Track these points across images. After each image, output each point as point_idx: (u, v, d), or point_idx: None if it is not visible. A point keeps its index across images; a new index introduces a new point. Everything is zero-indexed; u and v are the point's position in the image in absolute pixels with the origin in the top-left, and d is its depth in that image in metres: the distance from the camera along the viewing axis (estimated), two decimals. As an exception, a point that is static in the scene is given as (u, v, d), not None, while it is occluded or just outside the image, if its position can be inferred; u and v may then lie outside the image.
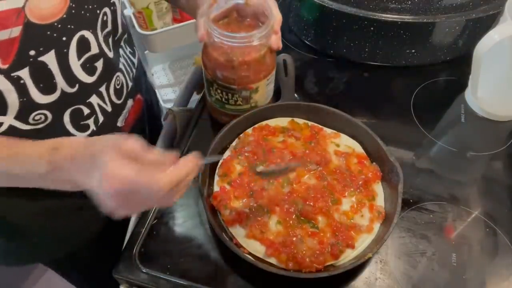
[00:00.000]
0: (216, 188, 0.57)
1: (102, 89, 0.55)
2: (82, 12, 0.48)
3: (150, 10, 1.13)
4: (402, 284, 0.51)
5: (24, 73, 0.44)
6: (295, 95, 0.69)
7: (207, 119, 0.70)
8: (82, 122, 0.54)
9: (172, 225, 0.57)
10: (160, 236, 0.56)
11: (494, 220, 0.57)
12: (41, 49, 0.44)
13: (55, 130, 0.51)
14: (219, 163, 0.59)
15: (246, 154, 0.59)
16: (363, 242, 0.52)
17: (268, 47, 0.58)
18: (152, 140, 0.69)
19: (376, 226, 0.53)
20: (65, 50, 0.47)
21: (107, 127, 0.58)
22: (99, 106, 0.55)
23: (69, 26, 0.46)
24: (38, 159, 0.44)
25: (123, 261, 0.54)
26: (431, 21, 0.68)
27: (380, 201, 0.56)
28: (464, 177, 0.63)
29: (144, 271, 0.53)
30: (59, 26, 0.45)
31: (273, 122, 0.64)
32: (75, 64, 0.49)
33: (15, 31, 0.41)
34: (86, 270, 0.81)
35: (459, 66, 0.75)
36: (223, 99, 0.62)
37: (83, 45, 0.49)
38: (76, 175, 0.43)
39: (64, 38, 0.46)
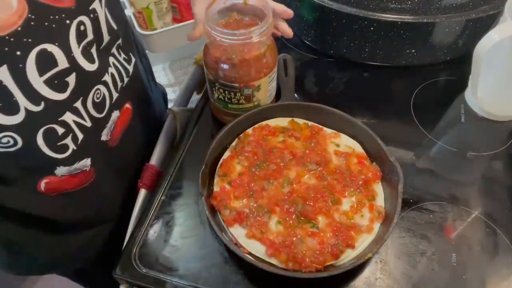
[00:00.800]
0: (216, 188, 0.57)
1: (78, 104, 0.50)
2: (46, 23, 0.43)
3: (150, 10, 1.13)
4: (402, 284, 0.51)
5: None
6: (295, 95, 0.69)
7: (208, 119, 0.70)
8: (59, 143, 0.50)
9: (172, 225, 0.57)
10: (160, 236, 0.56)
11: (494, 220, 0.57)
12: None
13: (30, 153, 0.48)
14: (219, 163, 0.59)
15: (246, 154, 0.59)
16: (363, 242, 0.52)
17: (268, 44, 0.58)
18: (151, 142, 0.69)
19: (376, 226, 0.53)
20: (20, 66, 0.42)
21: (90, 143, 0.55)
22: (76, 123, 0.51)
23: (25, 39, 0.42)
24: None
25: (123, 261, 0.54)
26: (431, 21, 0.68)
27: (380, 201, 0.56)
28: (464, 177, 0.63)
29: (144, 271, 0.53)
30: (12, 39, 0.41)
31: (273, 122, 0.64)
32: (37, 81, 0.44)
33: None
34: (87, 273, 0.81)
35: (459, 66, 0.75)
36: (226, 99, 0.62)
37: (46, 60, 0.44)
38: None
39: (18, 53, 0.41)
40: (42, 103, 0.46)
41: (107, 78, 0.55)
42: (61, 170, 0.53)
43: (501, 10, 0.61)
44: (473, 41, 0.60)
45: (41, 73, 0.44)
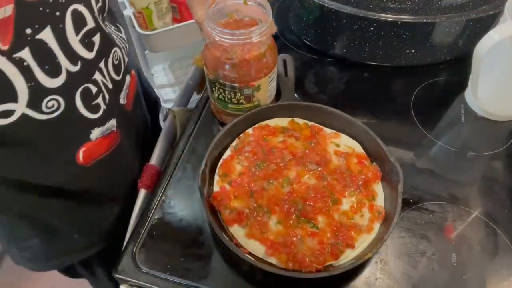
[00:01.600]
0: (216, 188, 0.57)
1: (102, 65, 0.54)
2: None
3: (150, 10, 1.13)
4: (402, 284, 0.51)
5: (25, 54, 0.43)
6: (295, 95, 0.69)
7: (208, 119, 0.70)
8: (93, 103, 0.53)
9: (172, 225, 0.57)
10: (160, 236, 0.56)
11: (494, 220, 0.57)
12: (36, 26, 0.43)
13: (70, 117, 0.51)
14: (219, 163, 0.59)
15: (246, 154, 0.59)
16: (363, 242, 0.52)
17: (268, 44, 0.58)
18: (152, 139, 0.70)
19: (376, 226, 0.53)
20: (60, 26, 0.45)
21: (113, 104, 0.58)
22: (103, 83, 0.54)
23: (60, 0, 0.45)
24: None
25: (123, 261, 0.54)
26: (431, 21, 0.68)
27: (380, 201, 0.56)
28: (464, 177, 0.63)
29: (144, 271, 0.53)
30: (51, 0, 0.43)
31: (273, 122, 0.64)
32: (74, 40, 0.47)
33: (8, 10, 0.40)
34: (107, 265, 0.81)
35: (459, 66, 0.75)
36: (226, 99, 0.62)
37: (79, 19, 0.47)
38: None
39: (57, 13, 0.44)
40: (79, 63, 0.49)
41: (117, 41, 0.58)
42: (95, 133, 0.56)
43: (501, 10, 0.61)
44: (473, 41, 0.60)
45: (76, 32, 0.47)
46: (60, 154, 0.54)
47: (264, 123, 0.64)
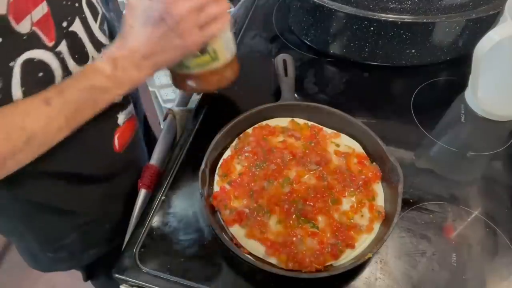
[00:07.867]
0: (216, 188, 0.57)
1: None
2: None
3: (150, 10, 1.13)
4: (402, 284, 0.51)
5: (63, 47, 0.46)
6: (295, 95, 0.69)
7: (208, 119, 0.70)
8: None
9: (172, 225, 0.57)
10: (160, 236, 0.56)
11: (494, 220, 0.57)
12: (69, 18, 0.45)
13: None
14: (219, 163, 0.59)
15: (246, 154, 0.59)
16: (363, 242, 0.52)
17: None
18: (150, 141, 0.70)
19: (376, 226, 0.53)
20: (83, 16, 0.48)
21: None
22: None
23: None
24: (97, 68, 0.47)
25: (123, 261, 0.54)
26: (431, 21, 0.68)
27: (380, 201, 0.56)
28: (464, 177, 0.63)
29: (144, 271, 0.53)
30: None
31: (273, 122, 0.64)
32: (96, 29, 0.50)
33: (44, 7, 0.43)
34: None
35: (459, 66, 0.75)
36: None
37: (92, 8, 0.50)
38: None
39: (76, 4, 0.47)
40: (102, 50, 0.52)
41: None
42: (121, 117, 0.60)
43: (501, 10, 0.61)
44: (473, 41, 0.60)
45: (95, 20, 0.50)
46: (98, 141, 0.57)
47: (264, 123, 0.64)
